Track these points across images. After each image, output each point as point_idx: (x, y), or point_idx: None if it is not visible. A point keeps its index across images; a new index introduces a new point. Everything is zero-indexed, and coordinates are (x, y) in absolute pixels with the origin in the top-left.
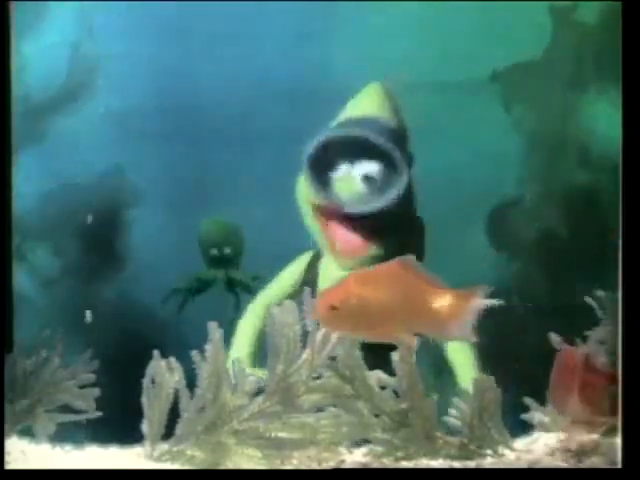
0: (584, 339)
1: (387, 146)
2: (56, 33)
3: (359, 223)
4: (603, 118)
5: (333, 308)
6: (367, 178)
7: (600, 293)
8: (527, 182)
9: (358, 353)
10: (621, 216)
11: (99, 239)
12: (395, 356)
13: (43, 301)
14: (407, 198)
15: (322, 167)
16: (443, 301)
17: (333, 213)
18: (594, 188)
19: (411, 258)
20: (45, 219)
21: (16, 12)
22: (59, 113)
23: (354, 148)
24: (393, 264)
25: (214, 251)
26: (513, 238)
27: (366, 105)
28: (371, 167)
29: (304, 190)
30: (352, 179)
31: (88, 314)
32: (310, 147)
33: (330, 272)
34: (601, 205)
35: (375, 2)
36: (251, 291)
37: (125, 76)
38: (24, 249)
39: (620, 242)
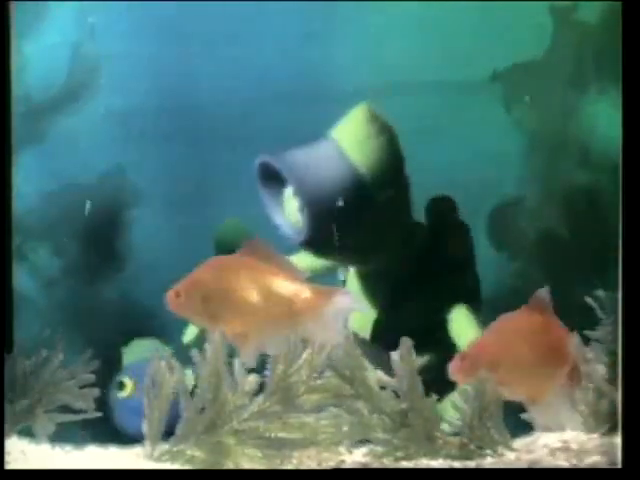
0: (585, 339)
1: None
2: (57, 33)
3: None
4: (603, 118)
5: (177, 295)
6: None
7: (600, 293)
8: (527, 182)
9: (358, 353)
10: (621, 216)
11: (100, 239)
12: (395, 356)
13: (44, 301)
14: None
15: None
16: (299, 295)
17: None
18: (594, 188)
19: (263, 244)
20: (46, 219)
21: (17, 12)
22: (60, 113)
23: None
24: (245, 250)
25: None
26: (513, 238)
27: (350, 128)
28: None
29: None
30: (293, 209)
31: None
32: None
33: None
34: (601, 205)
35: (375, 3)
36: None
37: (126, 76)
38: (25, 249)
39: (620, 242)
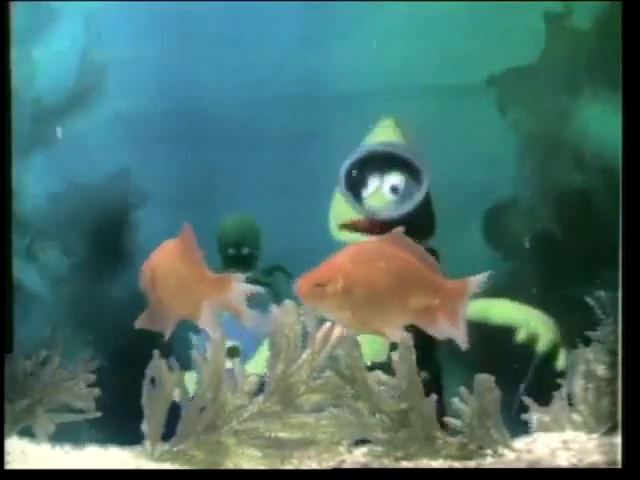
0: (584, 339)
1: (410, 157)
2: (65, 39)
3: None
4: (597, 121)
5: (318, 285)
6: (394, 189)
7: (600, 293)
8: (522, 183)
9: (358, 353)
10: (621, 216)
11: (107, 239)
12: (395, 356)
13: (53, 299)
14: (427, 204)
15: (355, 184)
16: (439, 296)
17: (366, 227)
18: (588, 189)
19: (402, 234)
20: (55, 219)
21: (26, 19)
22: (68, 116)
23: (380, 164)
24: (387, 241)
25: (231, 251)
26: (509, 238)
27: (382, 136)
28: (396, 179)
29: (339, 209)
30: (381, 192)
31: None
32: (343, 167)
33: None
34: (594, 205)
35: (374, 8)
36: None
37: (132, 80)
38: (34, 249)
39: (620, 242)
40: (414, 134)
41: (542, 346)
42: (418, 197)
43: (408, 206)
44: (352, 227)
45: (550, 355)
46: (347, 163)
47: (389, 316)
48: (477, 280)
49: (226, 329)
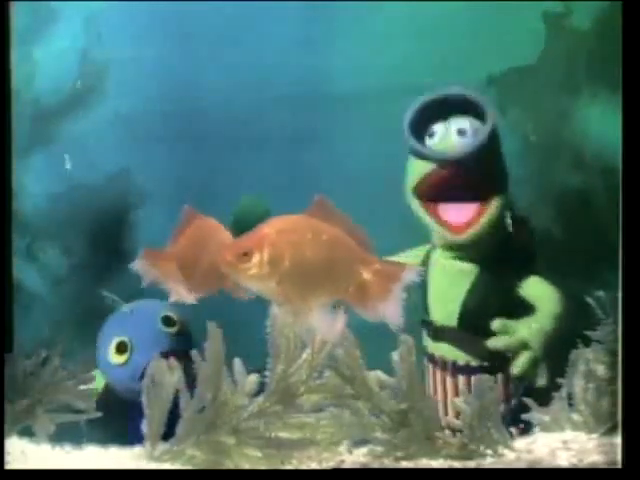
0: (584, 339)
1: (472, 98)
2: (65, 39)
3: (459, 176)
4: (596, 121)
5: (244, 254)
6: (461, 132)
7: (600, 293)
8: (522, 183)
9: (358, 353)
10: (621, 216)
11: (107, 239)
12: (395, 356)
13: (53, 299)
14: (495, 144)
15: (421, 131)
16: (371, 272)
17: (436, 184)
18: (587, 189)
19: (329, 204)
20: (55, 219)
21: (26, 18)
22: (68, 116)
23: (443, 110)
24: (314, 212)
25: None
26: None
27: None
28: (463, 122)
29: (411, 177)
30: (449, 137)
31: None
32: (408, 113)
33: (438, 263)
34: (594, 206)
35: (374, 9)
36: None
37: (132, 80)
38: (34, 249)
39: (620, 242)
40: None
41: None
42: (485, 132)
43: (476, 141)
44: (425, 183)
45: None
46: (409, 114)
47: (316, 289)
48: (416, 268)
49: None
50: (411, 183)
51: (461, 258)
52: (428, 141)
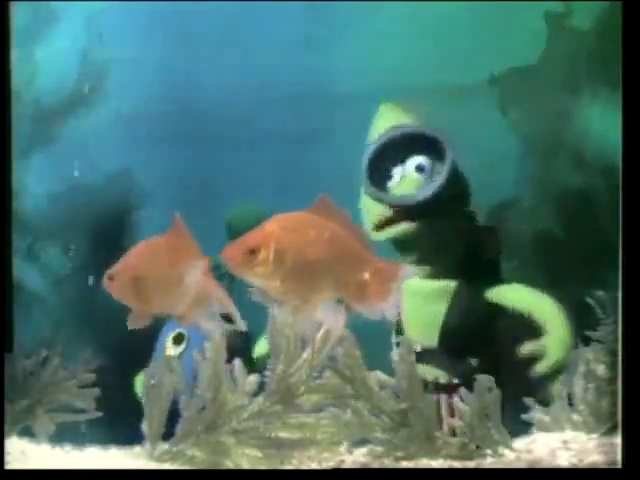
0: (584, 339)
1: (427, 132)
2: (66, 39)
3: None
4: (597, 121)
5: (250, 252)
6: (419, 168)
7: (600, 293)
8: (523, 183)
9: (358, 353)
10: (621, 216)
11: (108, 239)
12: (395, 356)
13: (54, 299)
14: (457, 175)
15: (379, 173)
16: (371, 270)
17: (402, 217)
18: (588, 189)
19: (330, 202)
20: (56, 219)
21: (28, 19)
22: (69, 116)
23: (398, 150)
24: (316, 210)
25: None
26: (510, 238)
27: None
28: (419, 159)
29: (369, 210)
30: (407, 176)
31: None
32: (363, 164)
33: (410, 285)
34: (595, 205)
35: (375, 8)
36: None
37: (133, 81)
38: (36, 248)
39: (620, 242)
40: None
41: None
42: (446, 170)
43: (438, 181)
44: (387, 223)
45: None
46: (366, 159)
47: (318, 287)
48: (412, 268)
49: None
50: (371, 221)
51: (430, 275)
52: (387, 182)
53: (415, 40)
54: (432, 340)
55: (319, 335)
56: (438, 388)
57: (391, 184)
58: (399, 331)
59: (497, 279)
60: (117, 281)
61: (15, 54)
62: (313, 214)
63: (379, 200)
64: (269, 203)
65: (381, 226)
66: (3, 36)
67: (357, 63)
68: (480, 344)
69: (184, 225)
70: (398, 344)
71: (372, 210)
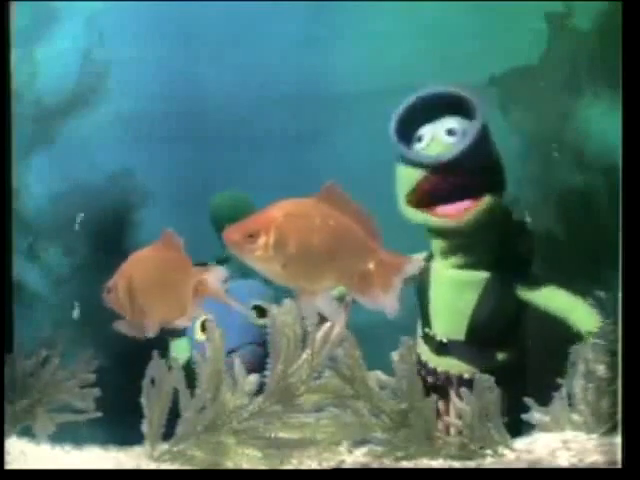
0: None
1: (465, 94)
2: (67, 39)
3: (452, 178)
4: (598, 121)
5: (250, 236)
6: (450, 131)
7: (600, 293)
8: (524, 183)
9: (358, 353)
10: (621, 216)
11: (109, 239)
12: (395, 356)
13: (55, 299)
14: (486, 140)
15: (409, 135)
16: (375, 262)
17: (429, 191)
18: (589, 189)
19: (339, 189)
20: (56, 219)
21: (28, 19)
22: (70, 116)
23: (429, 111)
24: (323, 197)
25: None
26: None
27: None
28: (451, 122)
29: (403, 185)
30: (438, 138)
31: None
32: (394, 118)
33: (441, 274)
34: (596, 206)
35: (375, 9)
36: None
37: (134, 81)
38: (37, 248)
39: (620, 242)
40: None
41: None
42: (474, 131)
43: (467, 140)
44: (419, 194)
45: None
46: (394, 121)
47: (320, 275)
48: (417, 260)
49: None
50: (403, 192)
51: (463, 265)
52: (417, 145)
53: (415, 40)
54: (459, 332)
55: (319, 335)
56: (461, 383)
57: (421, 146)
58: (426, 323)
59: (529, 276)
60: (113, 293)
61: (15, 54)
62: (320, 201)
63: (409, 160)
64: (269, 203)
65: (413, 198)
66: (3, 36)
67: (357, 63)
68: (508, 340)
69: (175, 238)
70: (425, 336)
71: (403, 179)
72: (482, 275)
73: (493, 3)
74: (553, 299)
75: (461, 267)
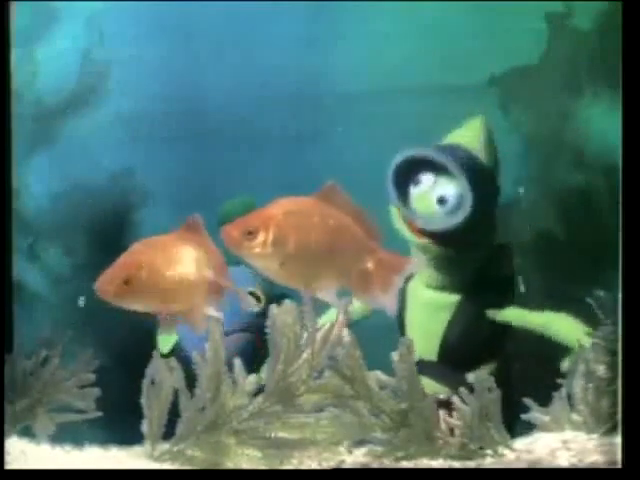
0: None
1: (449, 164)
2: (67, 39)
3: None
4: (598, 121)
5: (249, 233)
6: (441, 200)
7: (600, 293)
8: (525, 183)
9: (358, 353)
10: (621, 216)
11: (109, 239)
12: (395, 356)
13: (55, 299)
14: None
15: (403, 183)
16: (374, 261)
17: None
18: (589, 189)
19: (338, 189)
20: (57, 219)
21: (28, 19)
22: (70, 116)
23: (434, 168)
24: (323, 196)
25: None
26: (511, 238)
27: (463, 136)
28: (447, 188)
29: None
30: (429, 198)
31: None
32: (394, 163)
33: (417, 294)
34: (596, 205)
35: (375, 9)
36: None
37: (134, 80)
38: (37, 248)
39: (620, 242)
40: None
41: None
42: (465, 213)
43: (455, 220)
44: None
45: None
46: (400, 157)
47: (319, 273)
48: (416, 262)
49: None
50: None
51: (441, 287)
52: (412, 189)
53: (415, 40)
54: (433, 353)
55: (319, 335)
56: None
57: (414, 190)
58: None
59: (506, 298)
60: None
61: (15, 54)
62: (320, 200)
63: (398, 206)
64: (269, 203)
65: (401, 216)
66: (3, 36)
67: (357, 63)
68: (481, 361)
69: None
70: None
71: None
72: (456, 297)
73: (493, 3)
74: (526, 318)
75: (436, 288)
